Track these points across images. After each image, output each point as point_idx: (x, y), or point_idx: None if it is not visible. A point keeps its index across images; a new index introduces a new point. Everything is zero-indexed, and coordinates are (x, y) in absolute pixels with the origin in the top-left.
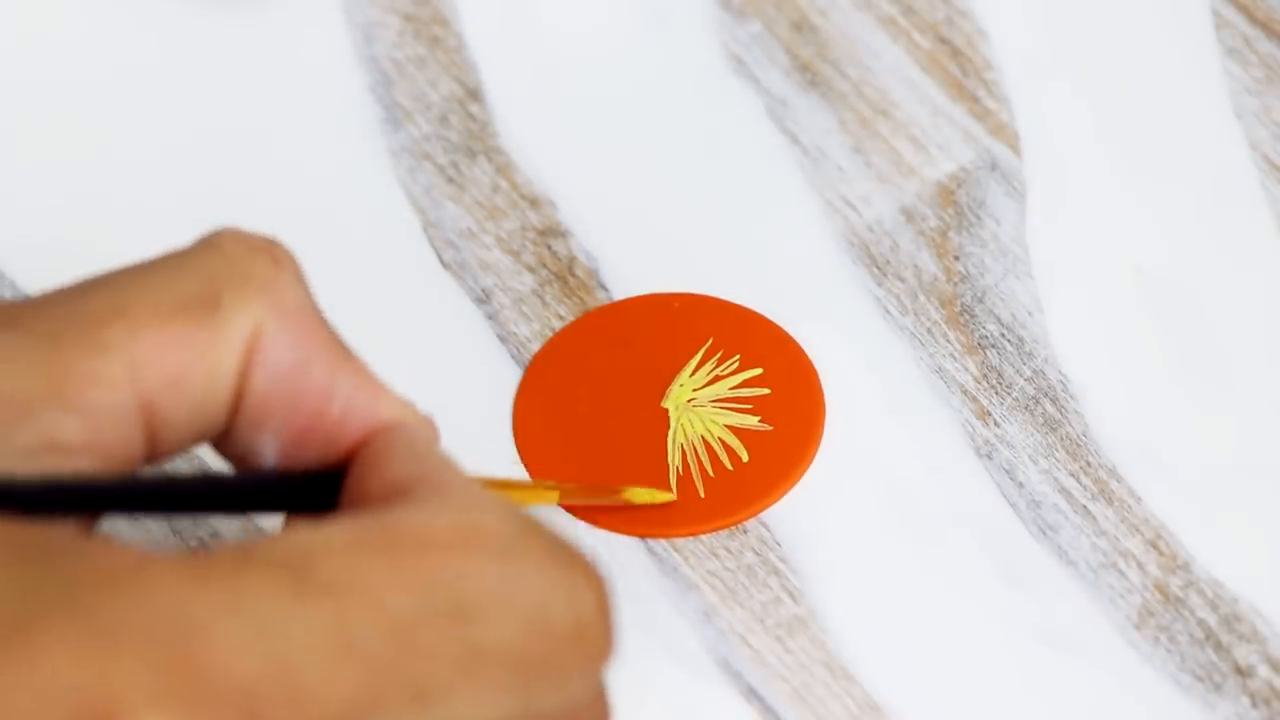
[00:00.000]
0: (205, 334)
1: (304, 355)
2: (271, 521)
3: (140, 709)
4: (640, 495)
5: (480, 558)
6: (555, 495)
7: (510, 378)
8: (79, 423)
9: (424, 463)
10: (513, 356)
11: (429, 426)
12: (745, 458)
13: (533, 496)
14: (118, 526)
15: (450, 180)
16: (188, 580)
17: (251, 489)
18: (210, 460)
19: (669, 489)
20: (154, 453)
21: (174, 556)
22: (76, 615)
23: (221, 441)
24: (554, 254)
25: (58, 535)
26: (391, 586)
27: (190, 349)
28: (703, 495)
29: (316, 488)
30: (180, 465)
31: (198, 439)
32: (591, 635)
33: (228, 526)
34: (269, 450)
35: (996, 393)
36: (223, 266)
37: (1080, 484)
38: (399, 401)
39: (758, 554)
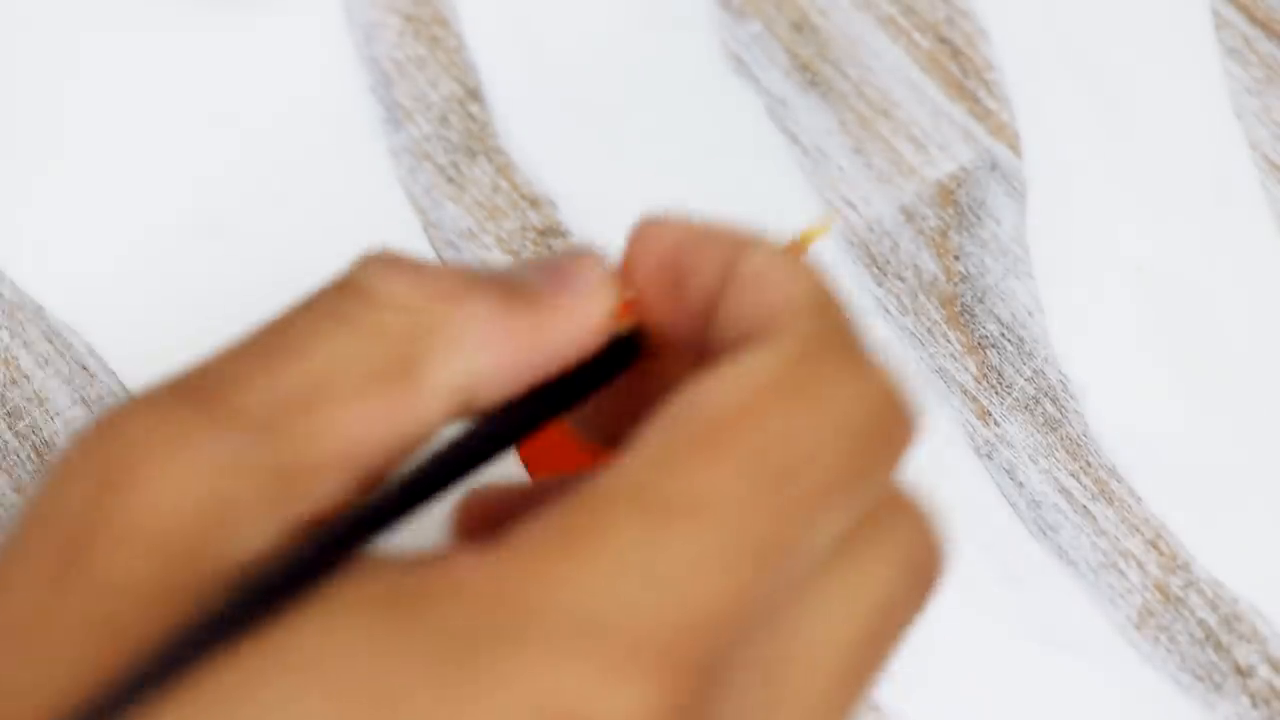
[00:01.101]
0: (407, 401)
1: (526, 355)
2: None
3: (603, 693)
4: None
5: (781, 414)
6: (826, 228)
7: None
8: (307, 508)
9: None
10: None
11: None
12: None
13: (809, 239)
14: None
15: (450, 180)
16: (551, 558)
17: (567, 383)
18: None
19: None
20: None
21: (496, 548)
22: (505, 634)
23: None
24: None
25: (413, 579)
26: (719, 479)
27: (395, 419)
28: None
29: (616, 356)
30: None
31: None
32: (897, 427)
33: None
34: None
35: (996, 393)
36: (402, 324)
37: (1080, 484)
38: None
39: None
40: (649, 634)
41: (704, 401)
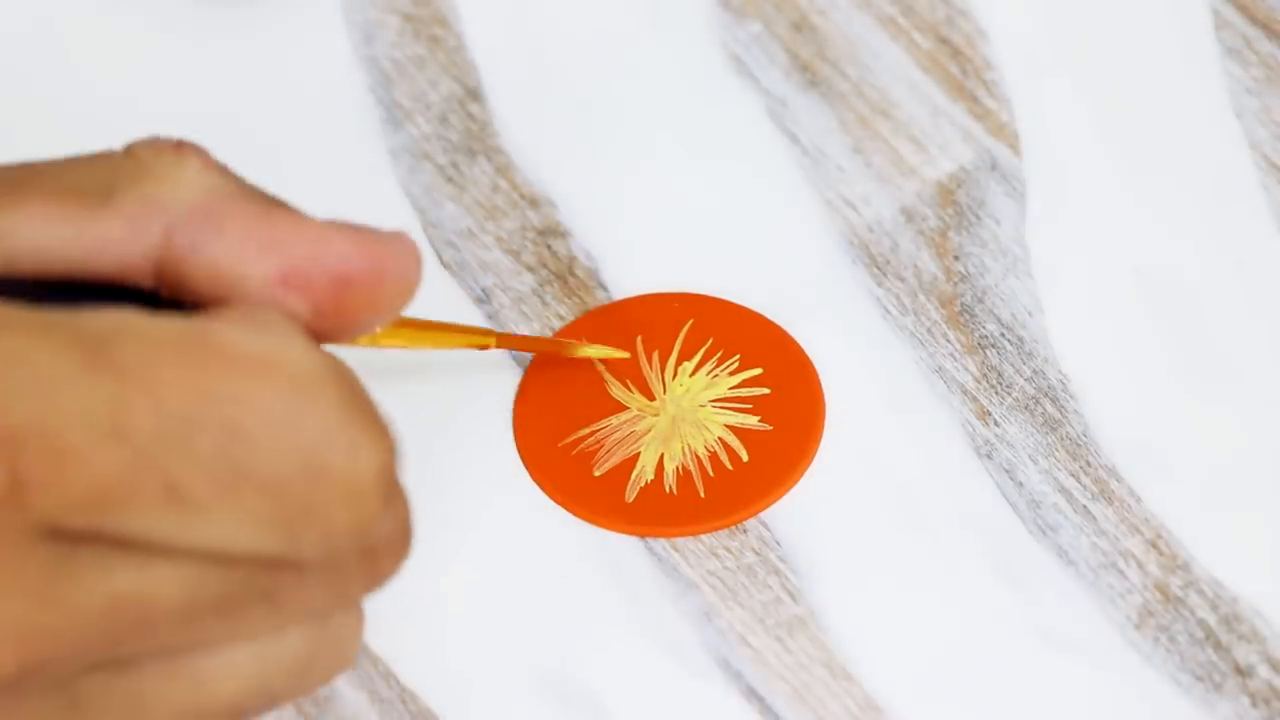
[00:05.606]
0: (90, 215)
1: (216, 231)
2: None
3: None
4: (596, 351)
5: (271, 385)
6: (492, 340)
7: (510, 378)
8: None
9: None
10: (513, 356)
11: (389, 246)
12: (745, 458)
13: (467, 340)
14: None
15: (450, 180)
16: None
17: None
18: None
19: (668, 489)
20: None
21: None
22: None
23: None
24: (554, 254)
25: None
26: (175, 384)
27: (73, 226)
28: (703, 495)
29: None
30: None
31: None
32: (365, 495)
33: None
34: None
35: (996, 393)
36: (126, 164)
37: (1080, 484)
38: (320, 238)
39: (758, 554)
40: None
41: (224, 331)
